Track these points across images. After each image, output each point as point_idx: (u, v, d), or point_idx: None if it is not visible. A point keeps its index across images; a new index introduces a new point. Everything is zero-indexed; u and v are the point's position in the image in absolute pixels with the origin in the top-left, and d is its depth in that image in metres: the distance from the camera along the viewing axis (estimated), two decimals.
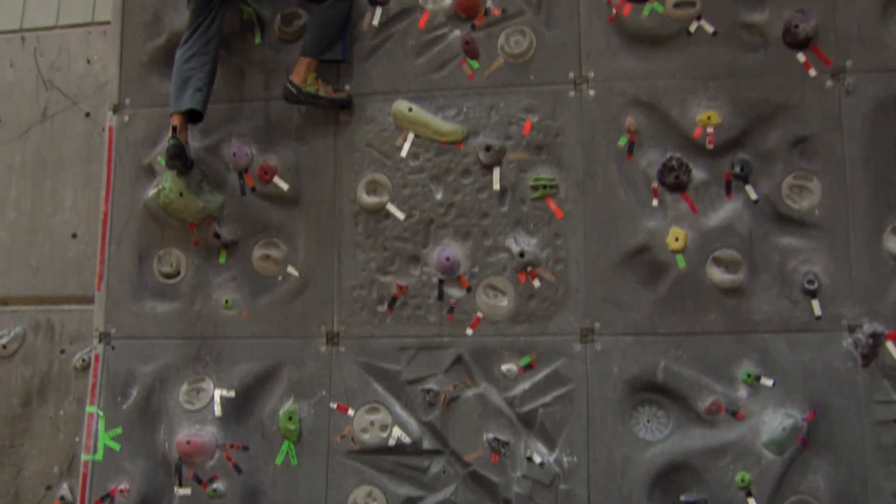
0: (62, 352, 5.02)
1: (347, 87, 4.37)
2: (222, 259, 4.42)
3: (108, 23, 4.98)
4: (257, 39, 4.51)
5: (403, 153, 4.28)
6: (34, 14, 5.48)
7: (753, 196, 4.03)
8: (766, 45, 4.10)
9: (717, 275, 4.00)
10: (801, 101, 4.03)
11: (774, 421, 3.86)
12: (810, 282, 3.92)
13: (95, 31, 5.31)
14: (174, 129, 4.14)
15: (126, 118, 4.61)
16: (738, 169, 4.02)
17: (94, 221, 4.85)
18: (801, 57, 4.07)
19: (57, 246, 5.17)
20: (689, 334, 3.99)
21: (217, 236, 4.38)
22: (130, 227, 4.54)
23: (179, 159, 4.13)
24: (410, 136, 4.27)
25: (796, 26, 4.04)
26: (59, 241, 5.18)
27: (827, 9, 4.07)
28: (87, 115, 5.23)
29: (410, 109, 4.25)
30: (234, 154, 4.38)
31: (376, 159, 4.30)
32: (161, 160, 4.40)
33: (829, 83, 4.04)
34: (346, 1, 4.25)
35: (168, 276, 4.48)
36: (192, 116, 4.23)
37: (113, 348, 4.45)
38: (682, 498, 3.90)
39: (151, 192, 4.47)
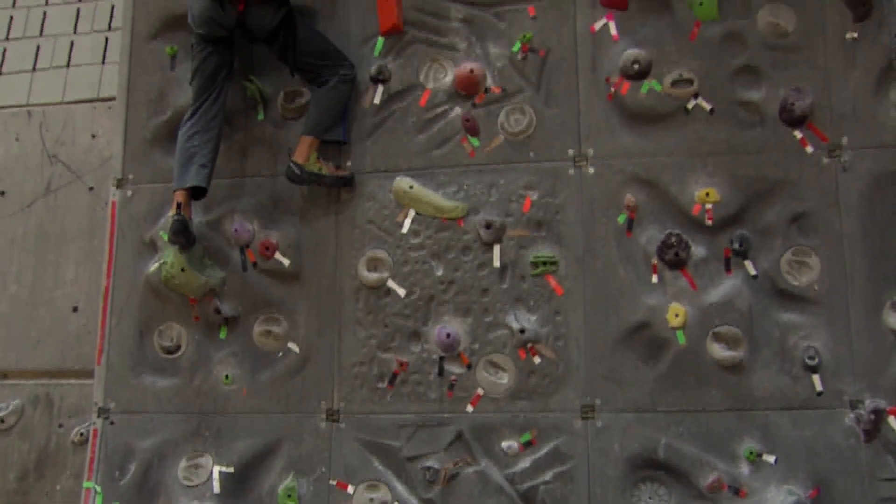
0: (60, 426, 5.11)
1: (349, 164, 4.53)
2: (223, 334, 4.53)
3: (113, 98, 5.17)
4: (260, 116, 4.67)
5: (404, 230, 4.41)
6: (41, 89, 5.69)
7: (753, 272, 4.14)
8: (763, 123, 4.25)
9: (718, 351, 4.10)
10: (798, 178, 4.17)
11: (777, 498, 3.92)
12: (811, 357, 4.00)
13: (101, 106, 5.51)
14: (178, 205, 4.30)
15: (129, 193, 4.76)
16: (737, 245, 4.14)
17: (96, 295, 4.96)
18: (798, 134, 4.22)
19: (58, 319, 5.30)
20: (690, 411, 4.07)
21: (218, 311, 4.49)
22: (132, 301, 4.65)
23: (183, 235, 4.28)
24: (411, 213, 4.41)
25: (792, 104, 4.19)
26: (59, 315, 5.30)
27: (822, 87, 4.22)
28: (91, 189, 5.39)
29: (411, 186, 4.40)
30: (236, 230, 4.52)
31: (377, 236, 4.44)
32: (163, 235, 4.55)
33: (825, 160, 4.18)
34: (348, 83, 4.43)
35: (168, 351, 4.58)
36: (196, 192, 4.39)
37: (112, 423, 4.54)
38: None
39: (153, 266, 4.59)
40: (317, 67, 4.39)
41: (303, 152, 4.33)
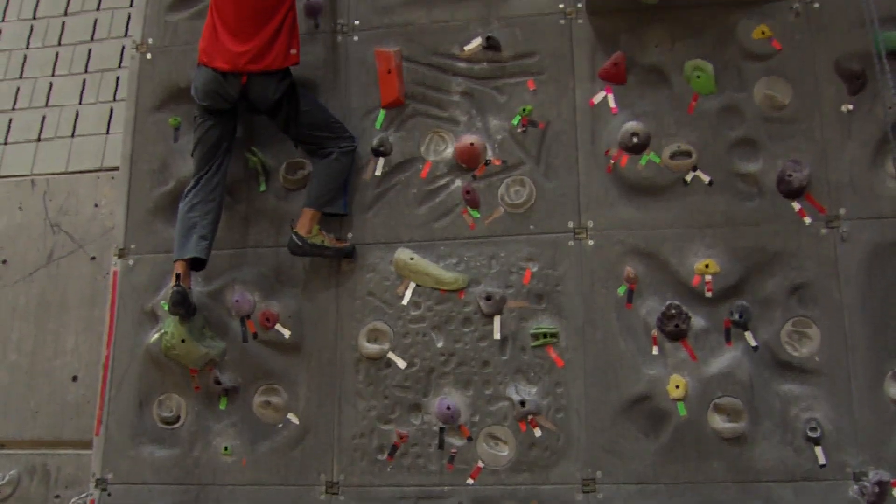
0: (57, 496, 5.15)
1: (350, 235, 4.66)
2: (223, 405, 4.62)
3: (116, 169, 5.33)
4: (262, 187, 4.81)
5: (405, 302, 4.52)
6: (45, 159, 5.85)
7: (753, 343, 4.23)
8: (761, 194, 4.38)
9: (719, 423, 4.17)
10: (797, 249, 4.28)
11: None
12: (813, 429, 4.07)
13: (104, 176, 5.66)
14: (177, 276, 4.41)
15: (131, 263, 4.87)
16: (736, 316, 4.23)
17: (95, 365, 5.05)
18: (796, 205, 4.34)
19: (57, 389, 5.38)
20: (691, 483, 4.13)
21: (218, 382, 4.58)
22: (131, 371, 4.73)
23: (182, 306, 4.39)
24: (412, 285, 4.52)
25: (790, 175, 4.33)
26: (59, 384, 5.38)
27: (819, 158, 4.36)
28: (93, 258, 5.52)
29: (412, 258, 4.53)
30: (237, 301, 4.64)
31: (378, 308, 4.55)
32: (164, 305, 4.66)
33: (824, 230, 4.29)
34: (349, 155, 4.59)
35: (168, 422, 4.66)
36: (196, 263, 4.50)
37: (109, 494, 4.59)
38: None
39: (153, 336, 4.67)
40: (318, 139, 4.55)
41: (305, 224, 4.46)
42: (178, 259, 4.46)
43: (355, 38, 4.90)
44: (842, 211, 4.28)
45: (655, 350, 4.28)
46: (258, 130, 4.84)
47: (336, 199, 4.50)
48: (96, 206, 5.58)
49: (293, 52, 4.50)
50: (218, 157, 4.56)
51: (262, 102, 4.49)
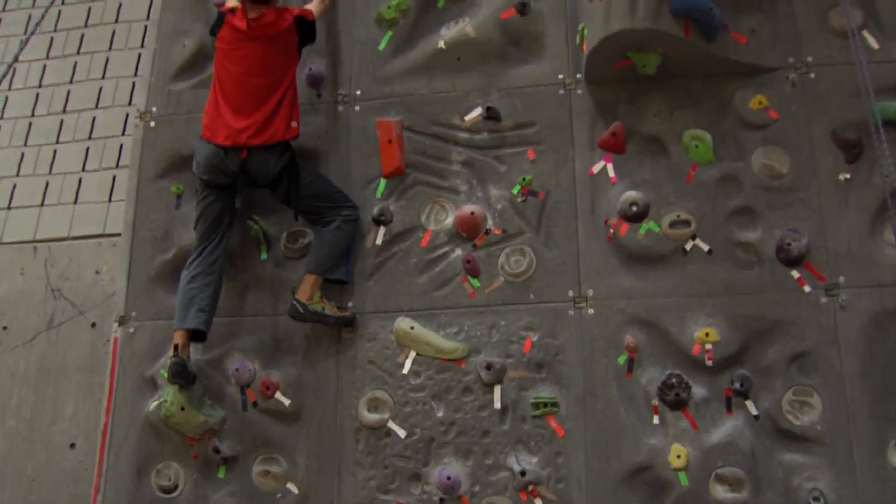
0: None
1: (350, 304, 4.74)
2: (221, 474, 4.64)
3: (118, 235, 5.42)
4: (263, 256, 4.89)
5: (405, 371, 4.57)
6: (48, 225, 5.96)
7: (754, 412, 4.27)
8: (760, 263, 4.45)
9: (721, 493, 4.19)
10: (797, 317, 4.34)
11: None
12: (816, 499, 4.08)
13: (106, 242, 5.76)
14: (176, 346, 4.47)
15: (131, 330, 4.93)
16: (737, 385, 4.27)
17: (94, 432, 5.09)
18: (795, 274, 4.40)
19: (54, 456, 5.41)
20: None
21: (217, 451, 4.60)
22: (130, 439, 4.75)
23: (181, 377, 4.44)
24: (412, 354, 4.58)
25: (789, 244, 4.40)
26: (56, 451, 5.42)
27: (817, 227, 4.44)
28: (93, 325, 5.59)
29: (412, 327, 4.59)
30: (237, 369, 4.69)
31: (378, 377, 4.60)
32: (164, 373, 4.70)
33: (823, 299, 4.35)
34: (352, 223, 4.68)
35: (166, 491, 4.67)
36: (196, 335, 4.57)
37: None
38: None
39: (153, 404, 4.71)
40: (320, 210, 4.65)
41: (306, 291, 4.54)
42: (178, 329, 4.51)
43: (357, 108, 5.02)
44: (841, 279, 4.34)
45: (656, 419, 4.31)
46: (259, 199, 4.92)
47: (338, 267, 4.58)
48: (98, 273, 5.66)
49: (293, 125, 4.62)
50: (219, 231, 4.65)
51: (263, 176, 4.60)
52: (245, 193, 4.81)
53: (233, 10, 4.67)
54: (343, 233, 4.60)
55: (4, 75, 3.94)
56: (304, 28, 4.72)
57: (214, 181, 4.53)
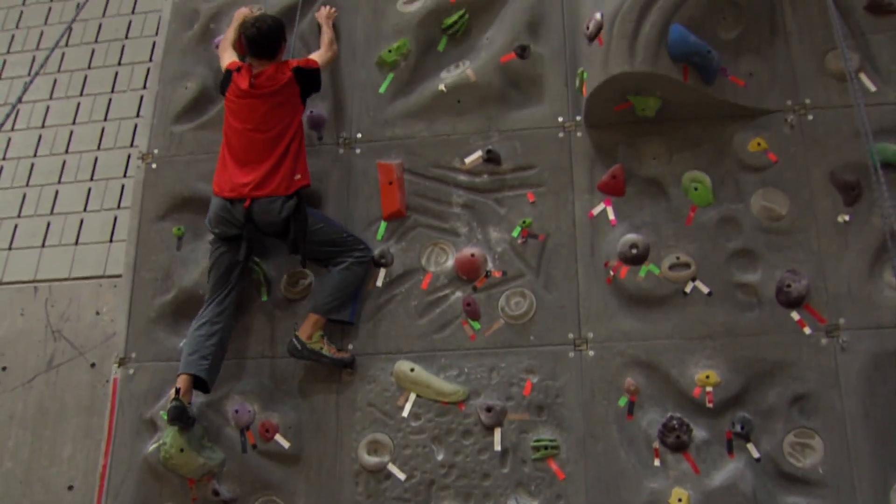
0: None
1: (351, 346, 4.77)
2: None
3: (119, 276, 5.46)
4: (263, 297, 4.93)
5: (405, 413, 4.59)
6: (48, 265, 6.00)
7: (755, 455, 4.27)
8: (760, 305, 4.48)
9: None
10: (797, 359, 4.36)
11: None
12: None
13: (106, 283, 5.80)
14: (177, 390, 4.50)
15: (131, 371, 4.94)
16: (738, 428, 4.28)
17: (92, 474, 5.10)
18: (796, 315, 4.43)
19: (52, 498, 5.41)
20: None
21: (216, 493, 4.60)
22: (129, 481, 4.75)
23: (180, 420, 4.46)
24: (412, 397, 4.60)
25: (788, 286, 4.44)
26: (54, 493, 5.42)
27: (817, 269, 4.48)
28: (93, 365, 5.61)
29: (412, 370, 4.61)
30: (237, 411, 4.71)
31: (378, 419, 4.62)
32: (164, 415, 4.72)
33: (824, 341, 4.38)
34: (364, 265, 4.71)
35: None
36: (198, 383, 4.59)
37: None
38: None
39: (152, 446, 4.72)
40: (330, 254, 4.70)
41: (307, 329, 4.57)
42: (181, 374, 4.55)
43: (357, 151, 5.09)
44: (841, 321, 4.37)
45: (657, 462, 4.32)
46: (259, 242, 4.94)
47: (343, 308, 4.63)
48: (98, 314, 5.69)
49: (298, 177, 4.67)
50: (229, 283, 4.69)
51: (268, 225, 4.63)
52: (254, 244, 4.81)
53: (238, 69, 4.79)
54: (352, 273, 4.65)
55: (7, 117, 3.98)
56: (306, 78, 4.80)
57: (224, 233, 4.56)
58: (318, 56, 4.95)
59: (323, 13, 5.27)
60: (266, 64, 4.60)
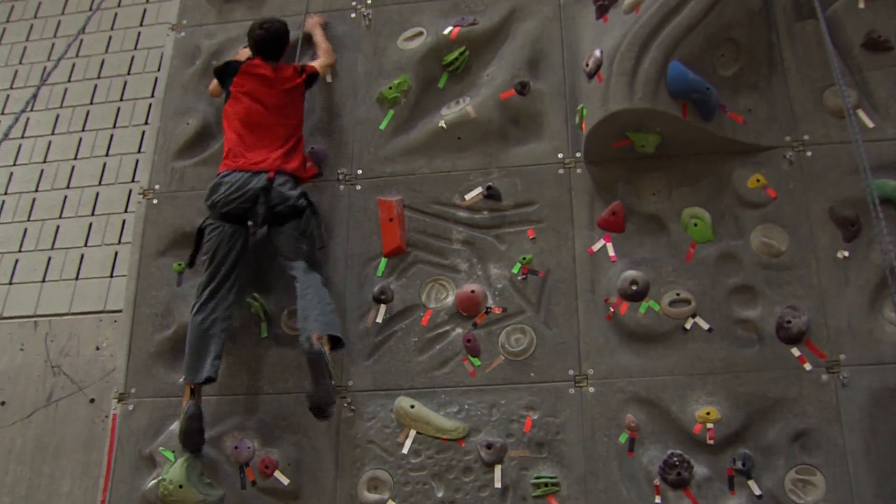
0: None
1: (351, 382, 4.77)
2: None
3: (119, 312, 5.49)
4: (263, 333, 4.95)
5: (405, 450, 4.59)
6: (49, 300, 6.03)
7: (757, 492, 4.26)
8: (760, 341, 4.50)
9: None
10: (798, 395, 4.37)
11: None
12: None
13: (106, 318, 5.82)
14: (192, 392, 4.50)
15: (130, 407, 4.95)
16: (739, 464, 4.29)
17: None
18: (796, 351, 4.45)
19: None
20: None
21: None
22: None
23: (197, 421, 4.47)
24: (412, 434, 4.60)
25: (789, 322, 4.46)
26: None
27: (817, 304, 4.50)
28: (92, 401, 5.62)
29: (412, 406, 4.62)
30: (236, 447, 4.71)
31: (378, 456, 4.62)
32: (163, 451, 4.73)
33: (825, 377, 4.39)
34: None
35: None
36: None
37: None
38: None
39: (151, 482, 4.72)
40: (306, 256, 4.68)
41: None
42: (191, 381, 4.55)
43: (358, 187, 5.13)
44: (842, 357, 4.39)
45: (658, 499, 4.32)
46: (259, 275, 5.00)
47: (336, 324, 4.47)
48: (97, 349, 5.71)
49: (309, 165, 4.85)
50: (235, 270, 4.70)
51: (282, 202, 4.63)
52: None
53: (248, 59, 4.95)
54: (327, 291, 4.55)
55: (2, 141, 3.99)
56: (310, 83, 5.02)
57: (234, 209, 4.54)
58: (318, 63, 5.14)
59: (311, 20, 5.34)
60: (275, 62, 4.78)
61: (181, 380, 4.70)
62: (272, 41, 4.80)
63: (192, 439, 4.51)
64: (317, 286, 4.63)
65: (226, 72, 5.00)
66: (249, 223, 4.79)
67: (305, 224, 4.69)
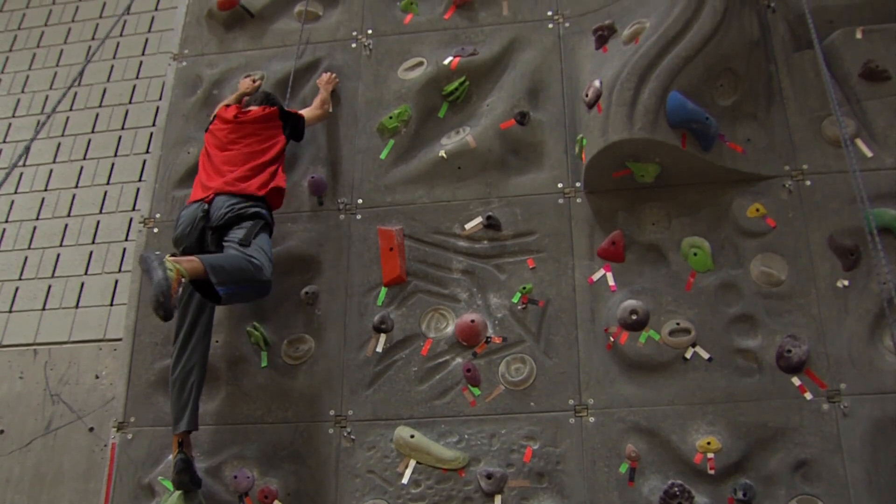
0: None
1: (350, 412, 4.76)
2: None
3: (119, 340, 5.50)
4: (263, 363, 4.96)
5: (405, 480, 4.58)
6: (48, 329, 6.04)
7: None
8: (761, 370, 4.50)
9: None
10: (799, 425, 4.36)
11: None
12: None
13: (106, 347, 5.83)
14: (179, 443, 4.47)
15: (129, 436, 4.94)
16: (740, 494, 4.27)
17: None
18: (797, 381, 4.45)
19: None
20: None
21: None
22: None
23: (188, 474, 4.43)
24: (412, 463, 4.59)
25: (789, 351, 4.46)
26: None
27: (817, 334, 4.50)
28: (91, 429, 5.62)
29: (412, 436, 4.62)
30: (236, 477, 4.70)
31: (378, 486, 4.60)
32: (162, 480, 4.73)
33: (825, 406, 4.39)
34: (251, 268, 4.30)
35: None
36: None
37: None
38: None
39: None
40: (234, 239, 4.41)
41: (183, 262, 4.05)
42: (178, 432, 4.53)
43: (358, 216, 5.15)
44: (843, 386, 4.38)
45: None
46: (258, 304, 4.99)
47: (223, 277, 4.16)
48: (97, 377, 5.72)
49: (272, 186, 4.60)
50: (201, 315, 4.64)
51: (217, 216, 4.44)
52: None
53: (226, 106, 5.03)
54: (244, 264, 4.26)
55: (5, 179, 4.02)
56: (290, 119, 4.98)
57: (186, 245, 4.45)
58: (306, 111, 5.16)
59: (324, 78, 5.38)
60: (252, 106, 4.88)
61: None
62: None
63: (186, 485, 4.48)
64: (232, 254, 4.32)
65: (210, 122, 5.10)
66: None
67: (247, 229, 4.39)
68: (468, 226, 4.99)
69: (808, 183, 4.77)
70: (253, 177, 4.71)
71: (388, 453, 4.63)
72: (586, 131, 4.82)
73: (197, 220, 4.60)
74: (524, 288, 4.78)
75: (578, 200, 4.93)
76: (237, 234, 4.48)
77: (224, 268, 4.14)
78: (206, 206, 4.61)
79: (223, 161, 4.79)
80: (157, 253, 3.93)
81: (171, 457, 4.57)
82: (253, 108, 5.00)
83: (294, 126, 5.01)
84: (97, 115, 6.93)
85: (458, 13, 5.54)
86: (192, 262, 4.03)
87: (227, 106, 5.06)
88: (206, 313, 4.71)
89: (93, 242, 6.25)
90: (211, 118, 5.14)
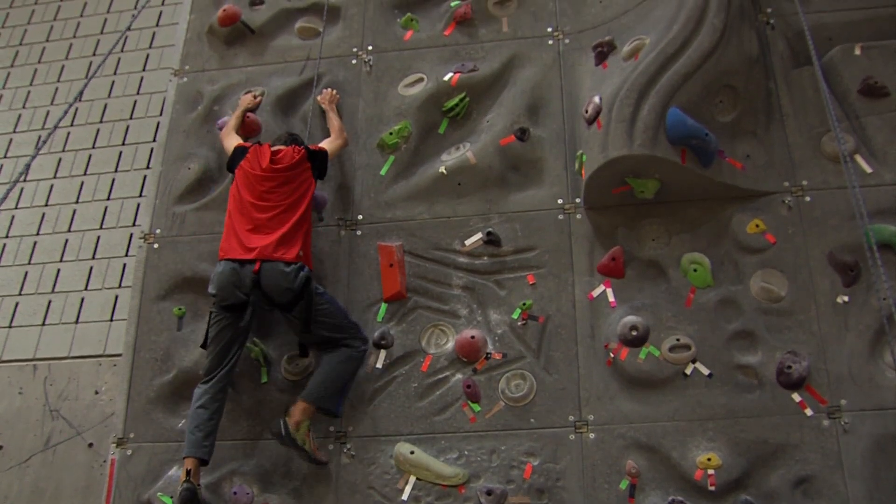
0: None
1: (350, 428, 4.75)
2: None
3: (118, 356, 5.50)
4: (263, 379, 4.95)
5: (405, 496, 4.57)
6: (48, 344, 6.04)
7: None
8: (761, 386, 4.51)
9: None
10: (799, 441, 4.37)
11: None
12: None
13: (106, 362, 5.84)
14: (188, 472, 4.46)
15: (129, 452, 4.93)
16: None
17: None
18: (797, 397, 4.46)
19: None
20: None
21: None
22: None
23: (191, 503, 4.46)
24: (412, 480, 4.59)
25: (789, 367, 4.47)
26: None
27: (817, 350, 4.51)
28: (90, 445, 5.61)
29: (412, 452, 4.62)
30: (235, 493, 4.69)
31: (377, 502, 4.57)
32: (161, 496, 4.72)
33: (826, 422, 4.39)
34: (359, 360, 4.73)
35: None
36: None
37: None
38: None
39: None
40: (332, 340, 4.70)
41: (296, 417, 4.51)
42: (188, 456, 4.52)
43: (358, 232, 5.17)
44: (843, 402, 4.39)
45: None
46: (260, 320, 4.99)
47: (334, 399, 4.64)
48: (96, 393, 5.72)
49: (301, 253, 4.69)
50: (230, 355, 4.65)
51: (277, 293, 4.60)
52: (257, 313, 4.79)
53: (251, 146, 4.97)
54: (348, 367, 4.67)
55: (6, 196, 4.03)
56: (316, 158, 4.96)
57: (229, 300, 4.49)
58: (328, 143, 5.13)
59: (325, 97, 5.39)
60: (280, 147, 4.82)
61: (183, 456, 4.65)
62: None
63: None
64: (333, 363, 4.70)
65: (235, 160, 5.01)
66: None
67: (305, 314, 4.56)
68: (468, 242, 5.00)
69: (807, 199, 4.79)
70: (291, 238, 4.62)
71: (387, 469, 4.64)
72: (586, 147, 4.84)
73: (245, 286, 4.52)
74: (524, 304, 4.79)
75: (578, 216, 4.95)
76: (321, 331, 4.65)
77: (327, 392, 4.64)
78: (255, 277, 4.59)
79: (262, 215, 4.75)
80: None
81: (179, 479, 4.52)
82: (281, 148, 4.95)
83: (320, 165, 5.00)
84: (98, 131, 6.96)
85: (458, 30, 5.57)
86: (304, 413, 4.52)
87: (259, 143, 4.99)
88: (241, 345, 4.73)
89: (93, 258, 6.27)
90: (234, 154, 5.07)
